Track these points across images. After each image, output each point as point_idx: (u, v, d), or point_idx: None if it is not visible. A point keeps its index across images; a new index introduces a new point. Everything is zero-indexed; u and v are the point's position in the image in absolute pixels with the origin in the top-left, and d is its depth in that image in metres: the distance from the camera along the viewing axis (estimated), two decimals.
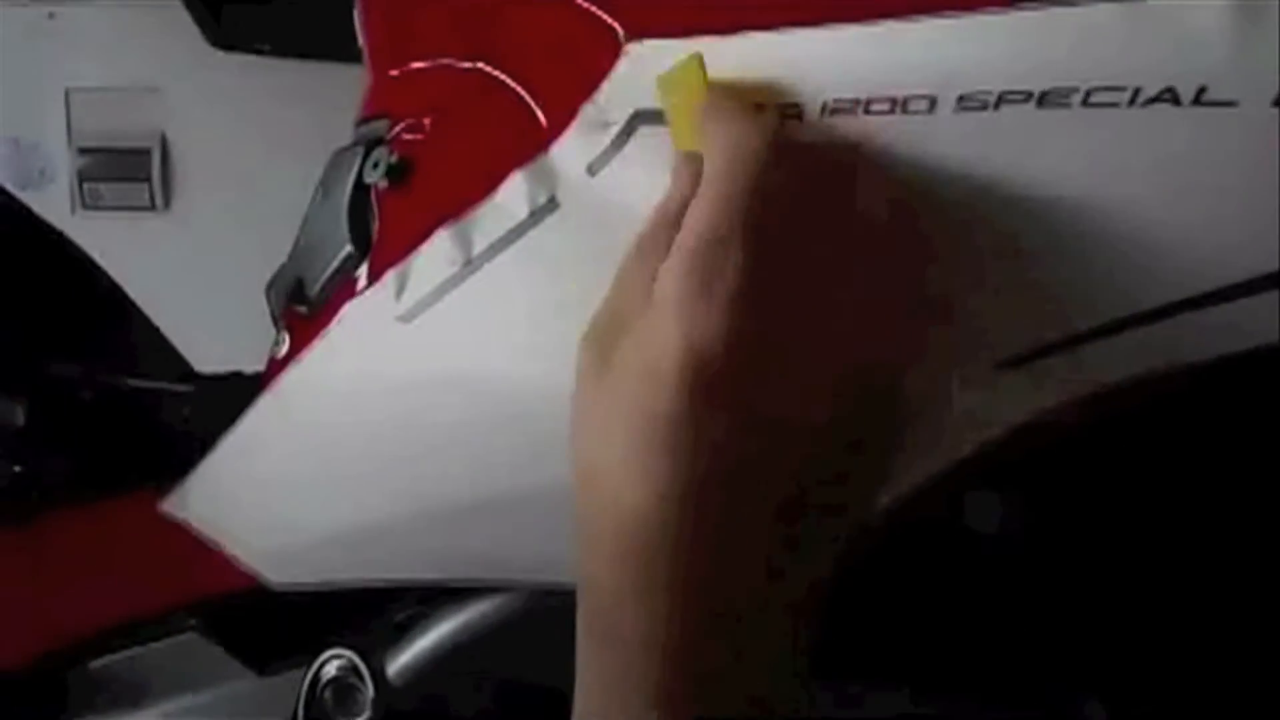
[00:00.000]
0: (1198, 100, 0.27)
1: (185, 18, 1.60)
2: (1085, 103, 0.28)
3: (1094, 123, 0.28)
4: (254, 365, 0.61)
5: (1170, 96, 0.27)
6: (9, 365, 0.62)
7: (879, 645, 0.41)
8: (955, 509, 0.35)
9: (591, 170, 0.38)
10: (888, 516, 0.32)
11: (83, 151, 1.72)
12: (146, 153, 1.78)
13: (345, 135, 0.53)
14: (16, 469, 0.60)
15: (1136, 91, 0.27)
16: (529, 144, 0.40)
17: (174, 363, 0.72)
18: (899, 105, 0.30)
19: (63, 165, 1.76)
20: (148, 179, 1.76)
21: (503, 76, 0.44)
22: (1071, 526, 0.38)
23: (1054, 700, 0.40)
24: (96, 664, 0.55)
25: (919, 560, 0.39)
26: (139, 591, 0.56)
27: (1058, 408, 0.31)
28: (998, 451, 0.31)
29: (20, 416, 0.60)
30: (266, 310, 0.53)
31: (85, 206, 1.75)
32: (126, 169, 1.78)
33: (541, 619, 0.48)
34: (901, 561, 0.38)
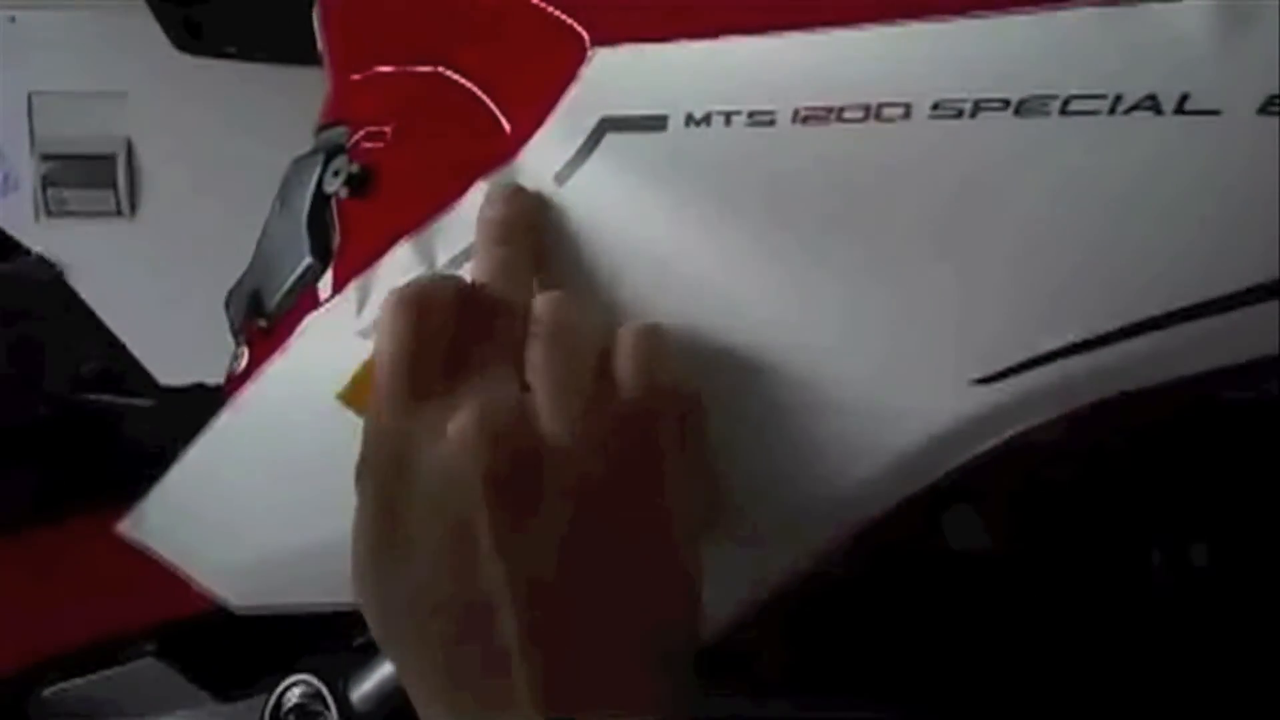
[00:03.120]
0: (1180, 109, 0.26)
1: (150, 21, 1.58)
2: (1064, 111, 0.27)
3: (1073, 131, 0.27)
4: (220, 373, 0.60)
5: (1152, 104, 0.26)
6: None
7: (856, 664, 0.40)
8: (933, 526, 0.34)
9: (559, 179, 0.37)
10: (866, 536, 0.31)
11: (46, 157, 1.69)
12: (112, 158, 1.76)
13: (311, 140, 0.52)
14: None
15: (1117, 99, 0.27)
16: (493, 152, 0.39)
17: (136, 375, 0.70)
18: (872, 112, 0.29)
19: (26, 171, 1.74)
20: (113, 185, 1.74)
21: (465, 83, 0.43)
22: (1055, 544, 0.38)
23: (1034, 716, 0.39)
24: (50, 691, 0.54)
25: (895, 579, 0.38)
26: (94, 615, 0.54)
27: (1039, 426, 0.30)
28: (977, 470, 0.30)
29: None
30: None
31: (50, 213, 1.73)
32: (91, 175, 1.76)
33: None
34: (878, 580, 0.37)
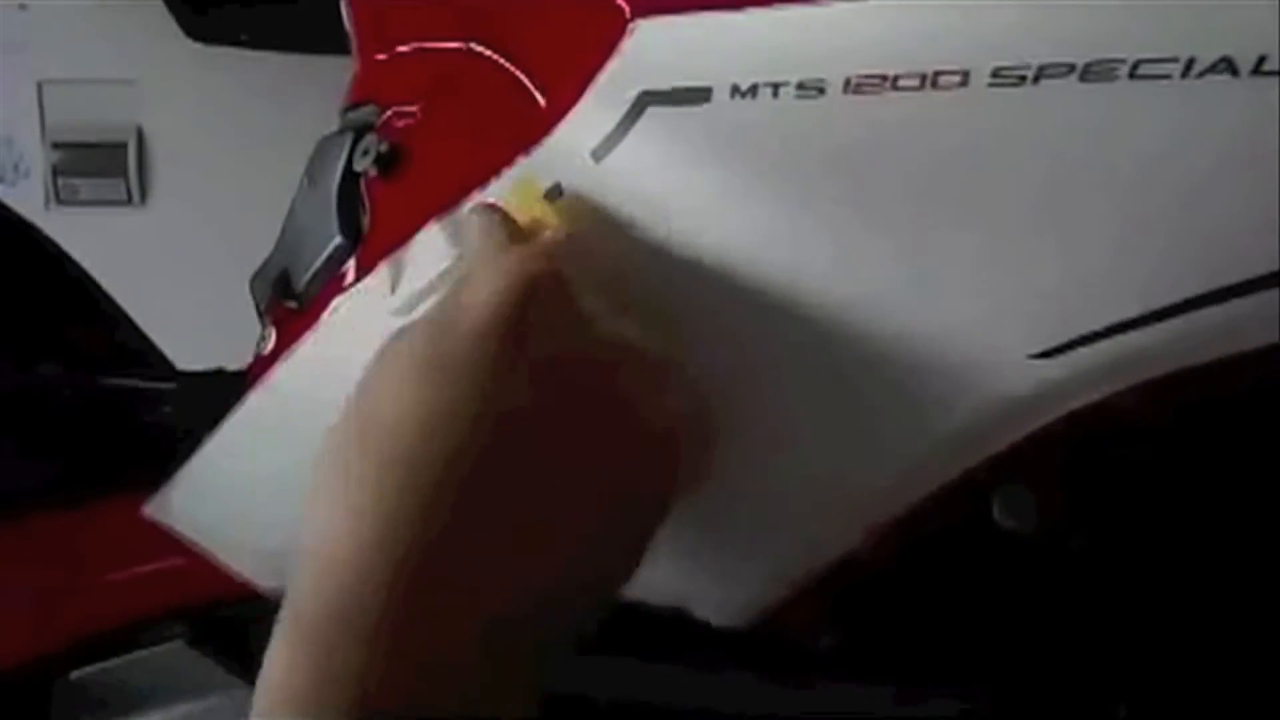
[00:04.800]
0: (1257, 70, 0.25)
1: (161, 9, 1.57)
2: (1132, 75, 0.26)
3: (1142, 97, 0.26)
4: (231, 361, 0.60)
5: (1226, 67, 0.25)
6: None
7: (903, 647, 0.40)
8: (983, 505, 0.34)
9: (596, 155, 0.36)
10: (916, 515, 0.31)
11: (57, 146, 1.69)
12: (122, 147, 1.76)
13: (323, 128, 0.51)
14: None
15: (1190, 62, 0.26)
16: (528, 128, 0.38)
17: (155, 360, 0.70)
18: (928, 81, 0.28)
19: (37, 160, 1.73)
20: (124, 173, 1.73)
21: (498, 58, 0.42)
22: (1114, 527, 0.37)
23: (1079, 703, 0.38)
24: (78, 674, 0.54)
25: (944, 560, 0.37)
26: (123, 598, 0.54)
27: (1099, 401, 0.29)
28: (1034, 446, 0.30)
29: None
30: (246, 305, 0.52)
31: (60, 201, 1.73)
32: (102, 163, 1.76)
33: None
34: (925, 561, 0.36)
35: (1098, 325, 0.29)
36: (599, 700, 0.45)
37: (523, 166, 0.38)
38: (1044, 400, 0.30)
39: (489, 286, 0.32)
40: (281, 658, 0.30)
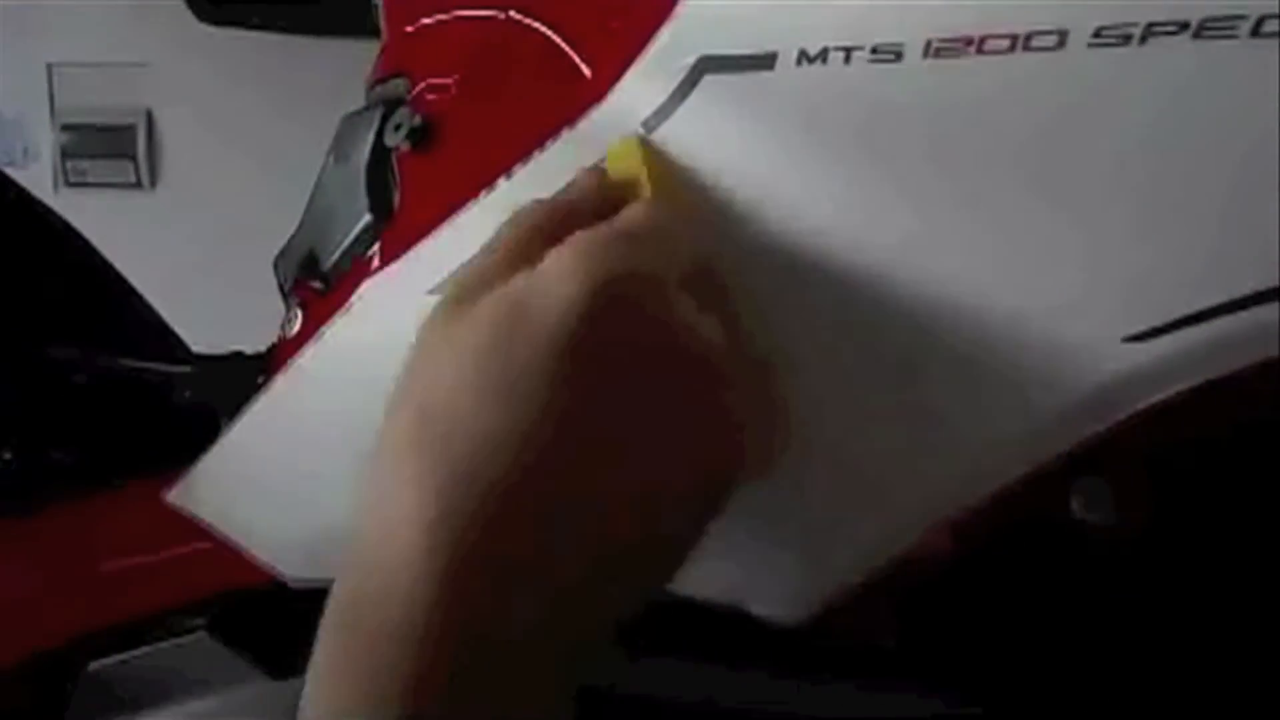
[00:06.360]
0: None
1: None
2: (1256, 32, 0.24)
3: (1266, 57, 0.24)
4: (243, 344, 0.59)
5: None
6: (1, 348, 0.59)
7: (970, 649, 0.38)
8: (1059, 500, 0.32)
9: (648, 126, 0.34)
10: (997, 507, 0.29)
11: (66, 128, 1.68)
12: (131, 129, 1.75)
13: (333, 111, 0.50)
14: (11, 457, 0.56)
15: None
16: (571, 100, 0.37)
17: (172, 343, 0.68)
18: (1020, 42, 0.26)
19: (45, 142, 1.73)
20: (133, 155, 1.73)
21: (539, 26, 0.41)
22: (1200, 525, 0.35)
23: (1147, 712, 0.37)
24: (97, 665, 0.52)
25: (1020, 555, 0.35)
26: (143, 588, 0.53)
27: (1193, 390, 0.27)
28: (1121, 436, 0.28)
29: (15, 402, 0.57)
30: (256, 288, 0.50)
31: (69, 184, 1.72)
32: (111, 145, 1.75)
33: None
34: (999, 556, 0.35)
35: (1197, 308, 0.27)
36: (636, 699, 0.43)
37: (567, 139, 0.36)
38: (1135, 386, 0.28)
39: (563, 291, 0.29)
40: (331, 659, 0.29)
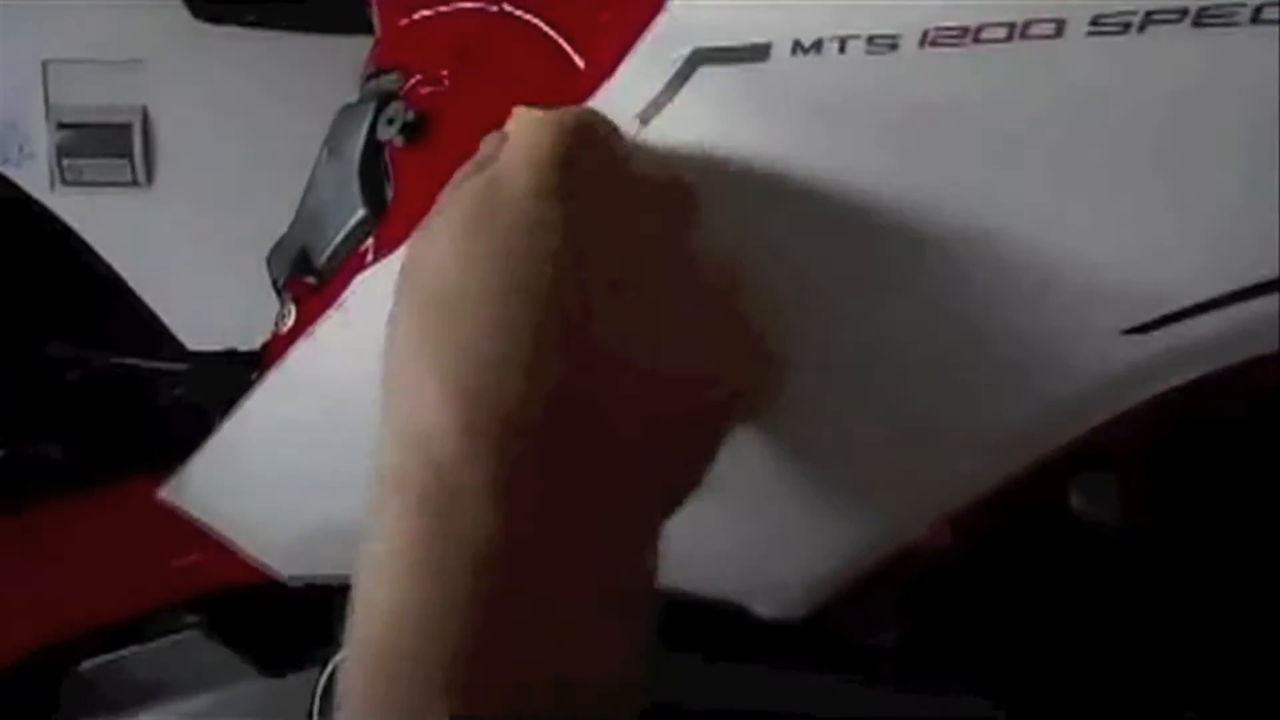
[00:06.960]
0: None
1: None
2: (1256, 19, 0.24)
3: (1266, 44, 0.24)
4: (238, 342, 0.58)
5: None
6: None
7: (972, 644, 0.38)
8: (1061, 492, 0.32)
9: (642, 118, 0.34)
10: (998, 501, 0.29)
11: (62, 126, 1.67)
12: (128, 127, 1.74)
13: (331, 109, 0.49)
14: (3, 454, 0.56)
15: None
16: (565, 92, 0.36)
17: (165, 341, 0.68)
18: (1017, 31, 0.26)
19: (41, 140, 1.72)
20: (129, 154, 1.72)
21: (531, 19, 0.41)
22: (1201, 519, 0.35)
23: (1150, 707, 0.37)
24: (90, 664, 0.52)
25: (1021, 551, 0.35)
26: (136, 585, 0.52)
27: (1194, 381, 0.27)
28: (1122, 429, 0.28)
29: (9, 399, 0.57)
30: (252, 287, 0.50)
31: (65, 182, 1.71)
32: (107, 144, 1.74)
33: None
34: (999, 552, 0.34)
35: (1195, 299, 0.26)
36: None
37: None
38: (1134, 380, 0.28)
39: (529, 144, 0.31)
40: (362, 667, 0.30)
